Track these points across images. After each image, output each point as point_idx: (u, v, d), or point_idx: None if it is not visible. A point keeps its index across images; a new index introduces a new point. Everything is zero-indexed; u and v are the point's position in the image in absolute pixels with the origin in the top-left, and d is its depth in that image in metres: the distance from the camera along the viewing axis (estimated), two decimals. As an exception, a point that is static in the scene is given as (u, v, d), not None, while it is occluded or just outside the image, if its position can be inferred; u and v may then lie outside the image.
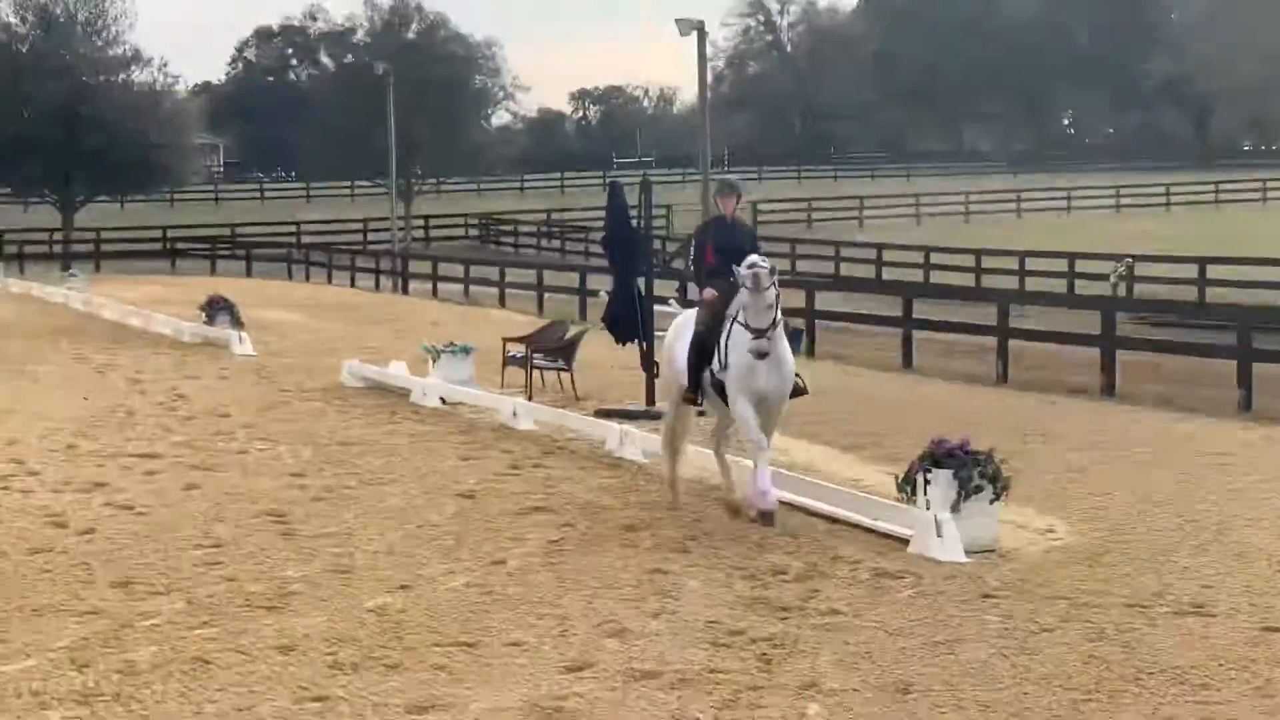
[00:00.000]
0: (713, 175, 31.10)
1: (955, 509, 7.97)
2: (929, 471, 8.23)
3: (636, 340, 13.92)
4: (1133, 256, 31.64)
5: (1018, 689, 5.39)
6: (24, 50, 50.75)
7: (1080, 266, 32.20)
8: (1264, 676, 5.55)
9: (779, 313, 8.36)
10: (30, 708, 5.09)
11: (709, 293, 8.75)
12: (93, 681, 5.39)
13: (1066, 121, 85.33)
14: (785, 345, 8.51)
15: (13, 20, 50.79)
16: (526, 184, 67.46)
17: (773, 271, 8.28)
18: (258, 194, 66.99)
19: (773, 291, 8.21)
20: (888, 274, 36.02)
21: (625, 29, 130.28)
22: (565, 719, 5.03)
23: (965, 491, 8.04)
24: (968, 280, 33.13)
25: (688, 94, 72.29)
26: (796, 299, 19.60)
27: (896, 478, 8.67)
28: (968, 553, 7.70)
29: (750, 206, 17.67)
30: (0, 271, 39.05)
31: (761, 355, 8.11)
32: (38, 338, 22.12)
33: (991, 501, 8.14)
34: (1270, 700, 5.27)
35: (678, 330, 9.15)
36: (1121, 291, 29.72)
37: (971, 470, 8.13)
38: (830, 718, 5.08)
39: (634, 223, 14.37)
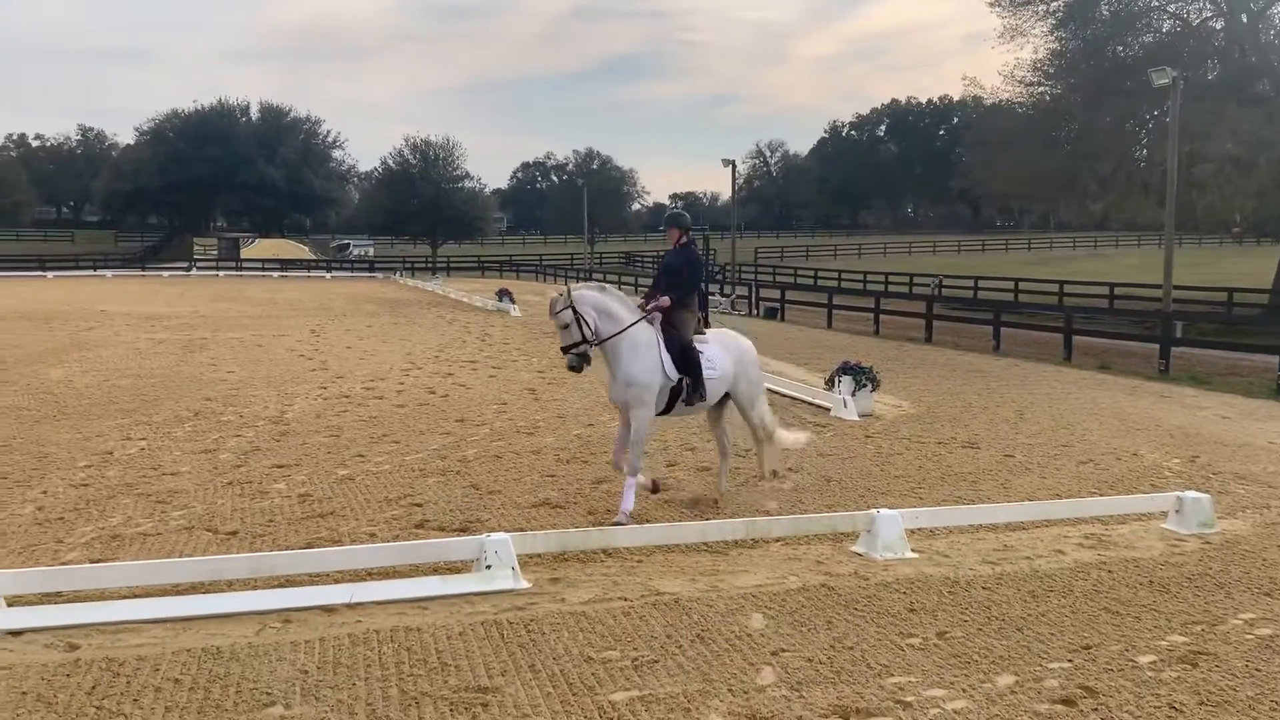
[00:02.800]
0: (700, 230, 42.68)
1: (853, 394, 13.52)
2: (840, 376, 13.83)
3: (702, 311, 22.51)
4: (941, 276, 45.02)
5: (885, 480, 10.16)
6: (413, 170, 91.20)
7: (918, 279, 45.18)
8: (1002, 479, 10.15)
9: (581, 334, 8.15)
10: (418, 476, 9.99)
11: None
12: (448, 465, 10.50)
13: (910, 209, 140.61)
14: (625, 360, 8.22)
15: (408, 154, 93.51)
16: (648, 238, 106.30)
17: (564, 298, 8.23)
18: (521, 241, 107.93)
19: (565, 315, 8.16)
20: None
21: (693, 162, 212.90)
22: (668, 484, 10.11)
23: (858, 385, 13.62)
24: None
25: (724, 194, 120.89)
26: (916, 306, 29.71)
27: (824, 379, 14.36)
28: (860, 415, 13.29)
29: (706, 247, 25.15)
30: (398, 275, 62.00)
31: (569, 368, 8.45)
32: (421, 306, 36.68)
33: (871, 391, 13.73)
34: (1008, 489, 9.71)
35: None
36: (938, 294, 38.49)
37: (861, 375, 13.72)
38: (792, 491, 9.61)
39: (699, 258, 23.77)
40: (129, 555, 7.23)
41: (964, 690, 5.18)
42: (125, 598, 6.15)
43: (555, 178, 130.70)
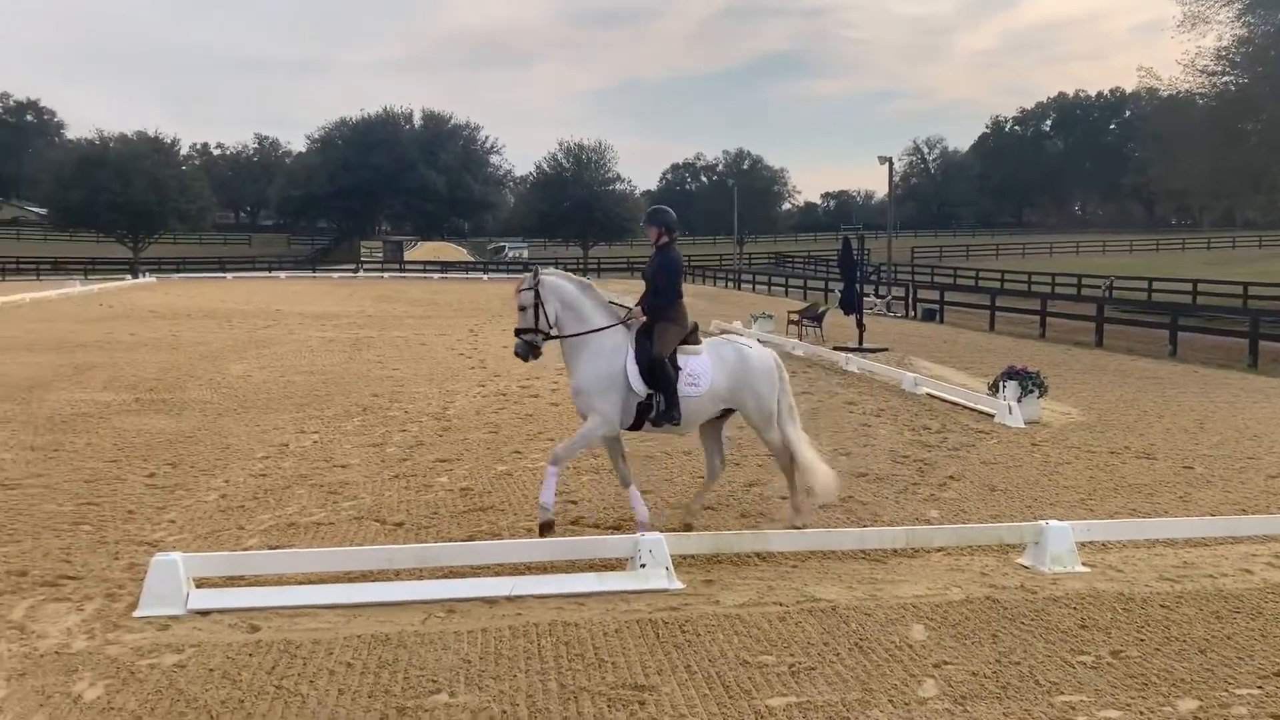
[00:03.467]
0: (855, 229, 39.41)
1: (1019, 400, 13.01)
2: (1005, 381, 13.33)
3: (855, 312, 23.49)
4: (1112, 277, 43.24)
5: (1053, 490, 9.76)
6: (566, 174, 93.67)
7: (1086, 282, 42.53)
8: (1181, 492, 9.63)
9: (534, 321, 7.72)
10: (572, 474, 10.17)
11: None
12: (601, 464, 10.51)
13: (1077, 207, 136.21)
14: (581, 366, 7.73)
15: (561, 158, 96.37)
16: (799, 238, 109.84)
17: (531, 278, 7.86)
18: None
19: (525, 296, 7.77)
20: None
21: (846, 161, 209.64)
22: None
23: (1024, 391, 13.10)
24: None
25: (879, 192, 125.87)
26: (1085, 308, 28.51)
27: (988, 384, 13.87)
28: (1025, 423, 12.78)
29: (861, 246, 24.91)
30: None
31: (515, 353, 7.93)
32: None
33: (1037, 397, 13.18)
34: (1188, 502, 9.23)
35: None
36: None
37: (1027, 380, 13.18)
38: (955, 500, 9.45)
39: (853, 256, 23.77)
40: (304, 543, 7.62)
41: (1141, 713, 4.91)
42: (301, 583, 6.50)
43: (705, 178, 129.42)
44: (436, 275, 70.82)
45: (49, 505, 8.64)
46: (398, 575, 6.67)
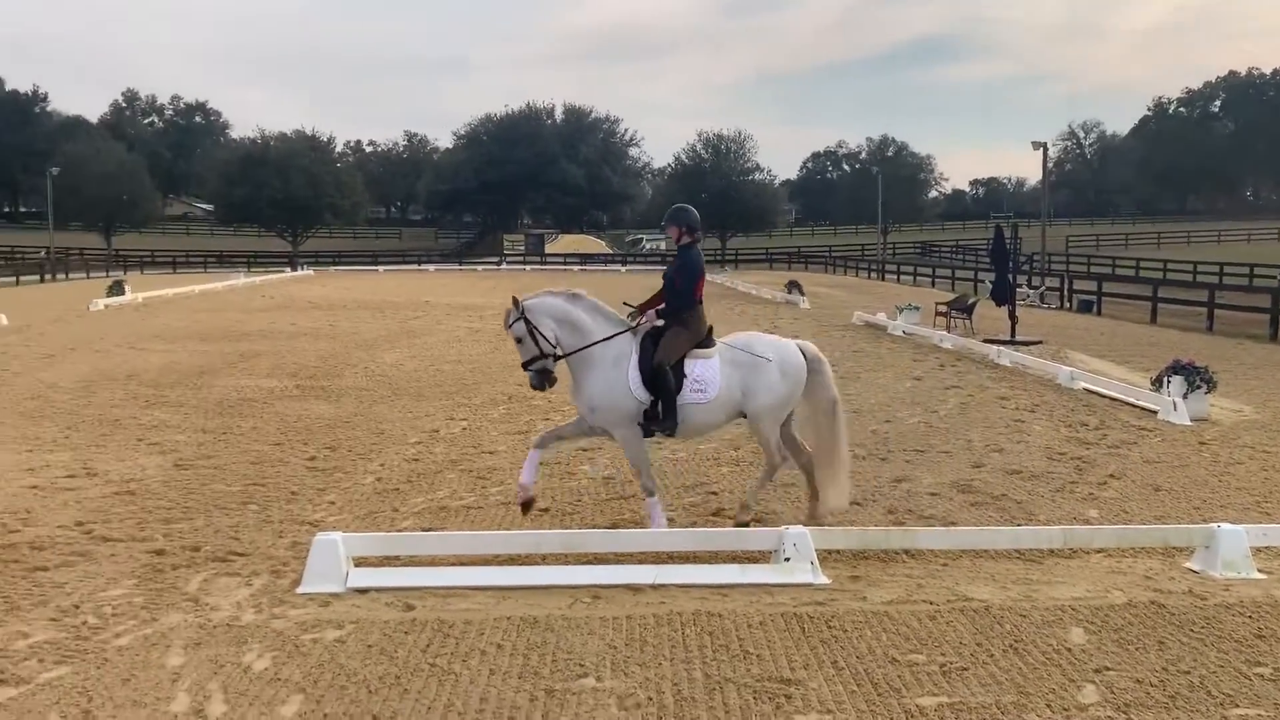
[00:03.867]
0: (1005, 217, 40.18)
1: (1184, 396, 12.32)
2: (1170, 376, 12.64)
3: (1006, 303, 22.76)
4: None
5: (1224, 492, 9.14)
6: (704, 165, 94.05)
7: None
8: None
9: (538, 348, 7.47)
10: (712, 464, 10.18)
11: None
12: (741, 455, 10.49)
13: (1249, 193, 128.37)
14: (586, 380, 7.51)
15: (700, 149, 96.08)
16: (945, 227, 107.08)
17: (515, 309, 7.50)
18: (810, 232, 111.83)
19: (518, 328, 7.52)
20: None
21: (995, 147, 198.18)
22: (975, 488, 9.34)
23: (1191, 387, 12.40)
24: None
25: (1031, 179, 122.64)
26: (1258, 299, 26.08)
27: (1150, 379, 13.19)
28: (1192, 420, 12.09)
29: (1014, 235, 24.08)
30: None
31: (531, 386, 7.80)
32: (709, 298, 35.21)
33: (1205, 393, 12.45)
34: None
35: None
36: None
37: (1194, 376, 12.47)
38: (1115, 500, 8.95)
39: (1005, 245, 23.02)
40: (454, 526, 7.86)
41: (1329, 733, 4.59)
42: (453, 565, 6.70)
43: (847, 166, 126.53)
44: (576, 267, 71.89)
45: (219, 485, 9.17)
46: (544, 560, 6.81)
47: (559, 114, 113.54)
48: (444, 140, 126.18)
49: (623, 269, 69.26)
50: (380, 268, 69.76)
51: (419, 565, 6.71)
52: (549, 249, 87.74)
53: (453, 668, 5.20)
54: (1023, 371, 16.71)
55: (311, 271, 65.86)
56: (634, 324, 7.61)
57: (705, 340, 7.64)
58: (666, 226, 7.94)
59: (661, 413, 7.38)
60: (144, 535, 7.57)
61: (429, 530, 7.60)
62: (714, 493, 8.92)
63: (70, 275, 57.90)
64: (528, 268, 72.68)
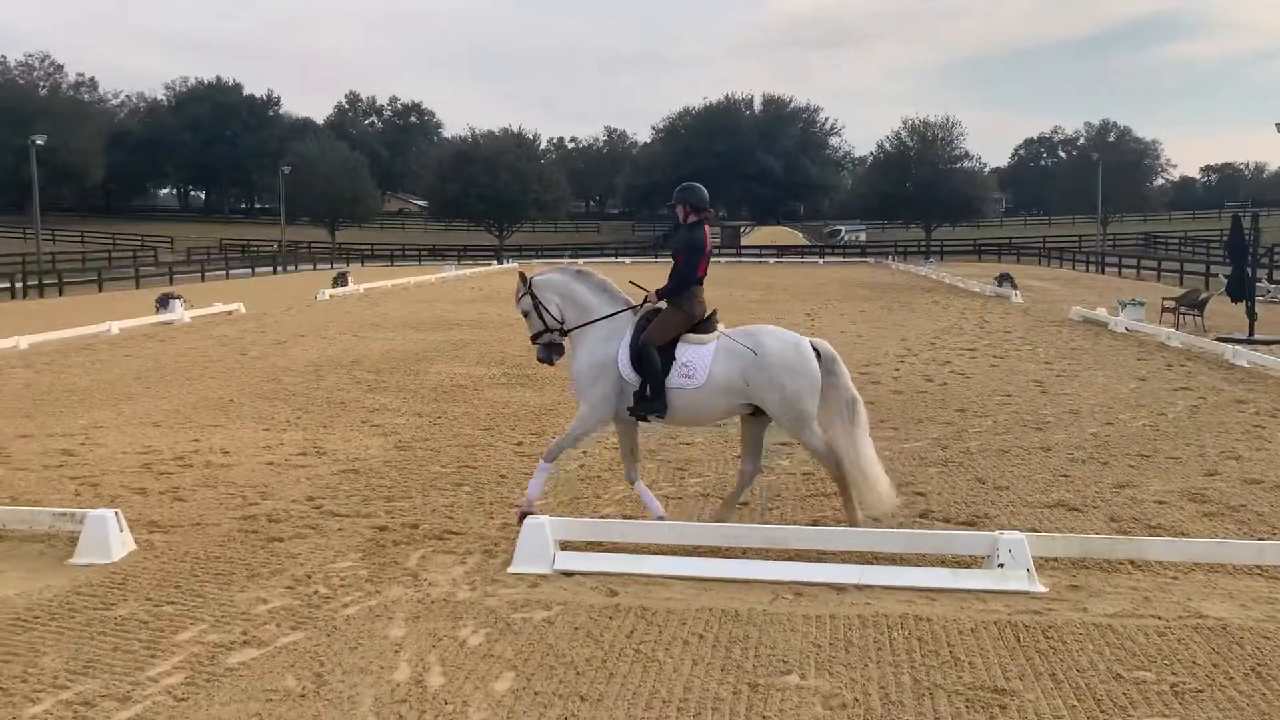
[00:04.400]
0: (1242, 207, 36.10)
1: None
2: None
3: (1244, 300, 20.94)
4: None
5: None
6: (909, 153, 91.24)
7: None
8: None
9: (543, 323, 7.68)
10: (918, 465, 9.85)
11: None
12: (949, 456, 10.11)
13: None
14: (578, 354, 7.55)
15: (905, 136, 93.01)
16: (1172, 217, 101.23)
17: (524, 285, 7.82)
18: (1022, 222, 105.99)
19: (524, 303, 7.78)
20: None
21: (1230, 130, 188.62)
22: (1209, 497, 8.64)
23: None
24: None
25: (1272, 165, 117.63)
26: None
27: None
28: None
29: (1254, 226, 22.16)
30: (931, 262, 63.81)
31: (538, 359, 7.96)
32: (914, 291, 36.71)
33: None
34: None
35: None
36: None
37: None
38: None
39: (1244, 236, 21.15)
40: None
41: None
42: (654, 553, 6.80)
43: (1063, 153, 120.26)
44: (772, 260, 71.46)
45: (435, 466, 9.65)
46: (744, 554, 6.80)
47: (757, 105, 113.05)
48: (643, 135, 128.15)
49: (820, 261, 68.35)
50: (580, 260, 71.62)
51: (621, 552, 6.85)
52: (744, 241, 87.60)
53: (656, 655, 5.27)
54: (1263, 374, 15.38)
55: (516, 265, 68.39)
56: (637, 303, 7.59)
57: (706, 325, 7.46)
58: (674, 205, 7.80)
59: (650, 392, 7.28)
60: (368, 512, 8.06)
61: (630, 518, 7.74)
62: (921, 494, 8.67)
63: (299, 267, 62.50)
64: (722, 260, 72.77)
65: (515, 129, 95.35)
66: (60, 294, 39.78)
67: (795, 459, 9.92)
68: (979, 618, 5.80)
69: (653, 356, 7.25)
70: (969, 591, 6.21)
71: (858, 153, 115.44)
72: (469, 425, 11.71)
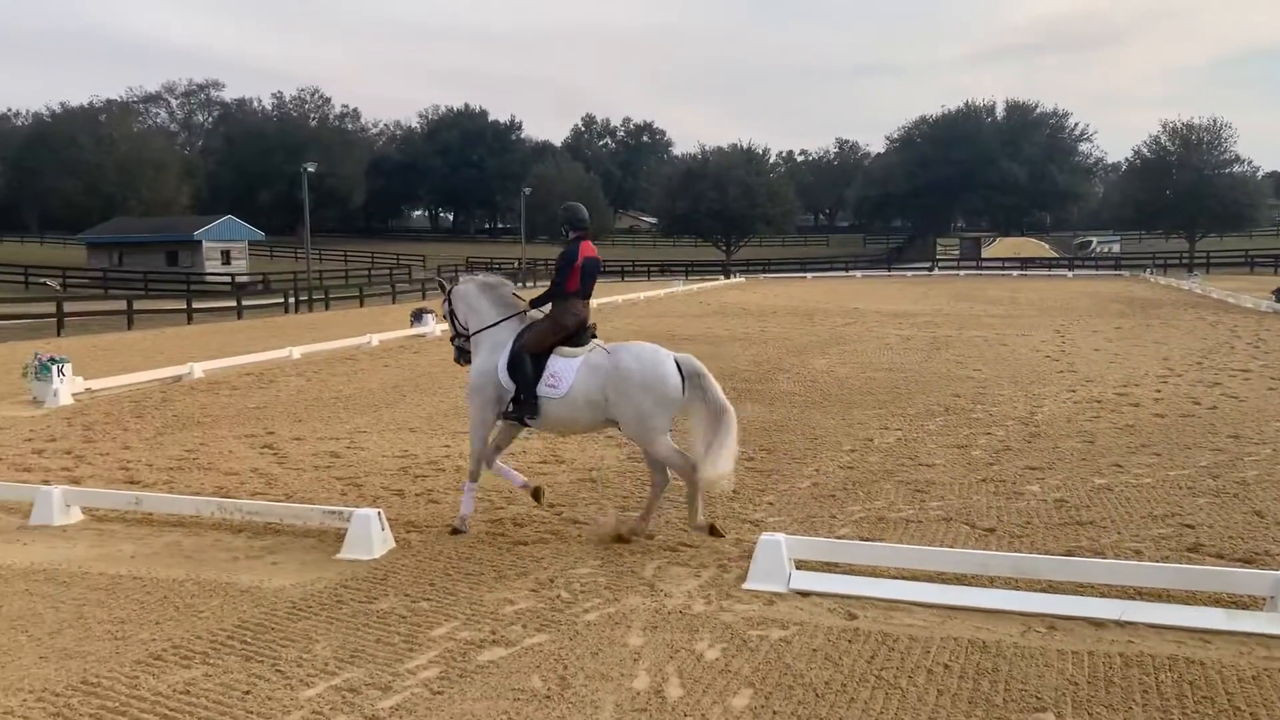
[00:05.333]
0: None
1: None
2: None
3: None
4: None
5: None
6: (1170, 158, 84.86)
7: None
8: None
9: (455, 326, 8.35)
10: (1186, 494, 9.04)
11: None
12: (1222, 486, 9.23)
13: None
14: (474, 360, 8.03)
15: (1165, 141, 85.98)
16: None
17: (441, 288, 8.73)
18: None
19: (445, 306, 8.50)
20: None
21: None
22: None
23: None
24: None
25: None
26: None
27: None
28: None
29: None
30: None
31: (454, 360, 8.63)
32: (1176, 306, 34.30)
33: None
34: None
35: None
36: None
37: None
38: None
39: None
40: (893, 538, 7.74)
41: None
42: (894, 577, 6.61)
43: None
44: (1015, 272, 68.22)
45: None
46: (992, 582, 6.50)
47: (999, 111, 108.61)
48: (875, 146, 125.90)
49: (1069, 274, 64.60)
50: (809, 274, 70.95)
51: (859, 574, 6.70)
52: (985, 253, 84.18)
53: (899, 683, 5.12)
54: None
55: (743, 279, 68.62)
56: (520, 312, 8.07)
57: (580, 338, 7.79)
58: (560, 224, 8.17)
59: (523, 398, 7.69)
60: (604, 520, 8.28)
61: (867, 540, 7.56)
62: (1189, 525, 7.99)
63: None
64: (961, 273, 70.15)
65: (744, 144, 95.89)
66: (326, 308, 43.36)
67: (1045, 485, 9.40)
68: (1262, 665, 5.28)
69: (524, 363, 7.71)
70: (1249, 635, 5.67)
71: (1110, 159, 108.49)
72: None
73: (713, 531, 7.67)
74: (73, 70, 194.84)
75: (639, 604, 6.30)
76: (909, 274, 70.24)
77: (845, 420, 12.98)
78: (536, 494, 8.14)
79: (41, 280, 54.67)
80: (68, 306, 33.31)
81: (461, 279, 8.52)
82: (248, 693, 5.08)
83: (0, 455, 11.44)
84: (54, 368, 15.28)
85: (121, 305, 36.19)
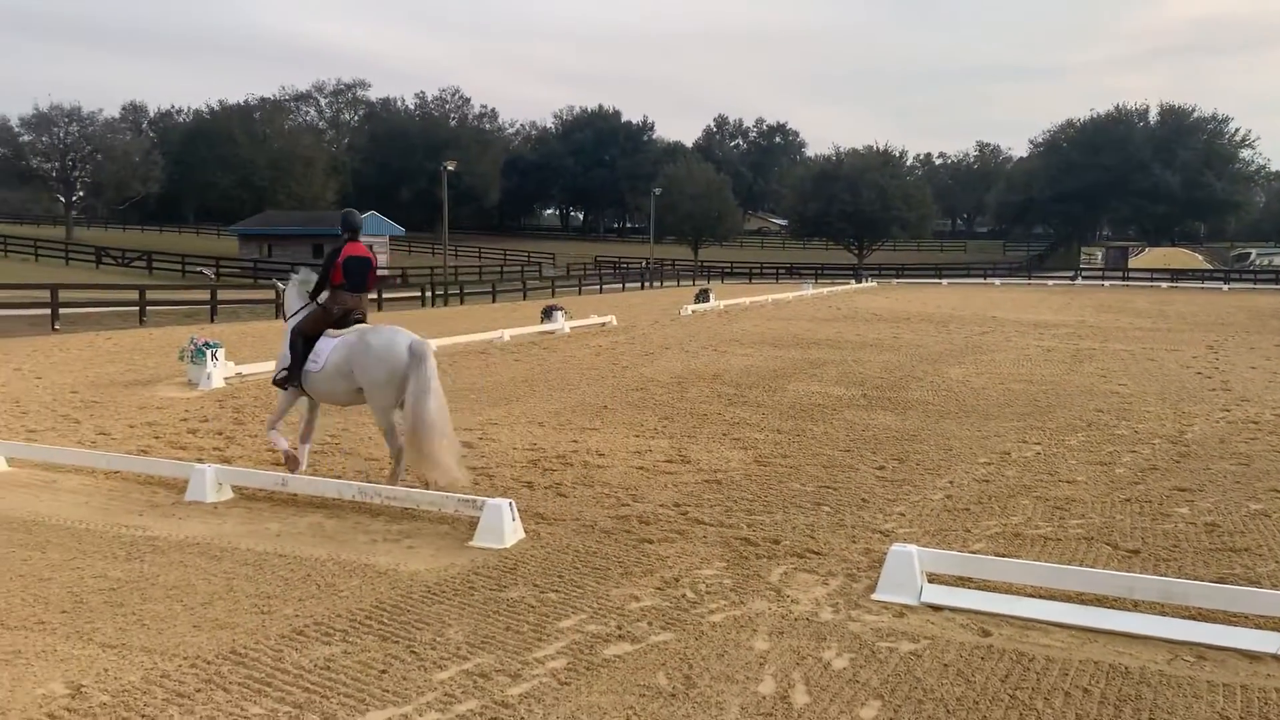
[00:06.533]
0: None
1: None
2: None
3: None
4: None
5: None
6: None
7: None
8: None
9: (283, 318, 10.09)
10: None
11: None
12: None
13: None
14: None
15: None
16: None
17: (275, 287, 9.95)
18: None
19: (277, 301, 10.40)
20: None
21: None
22: None
23: None
24: None
25: None
26: None
27: None
28: None
29: None
30: None
31: None
32: None
33: None
34: None
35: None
36: None
37: None
38: None
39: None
40: (1029, 555, 7.49)
41: None
42: (1029, 596, 6.40)
43: None
44: (1165, 284, 65.12)
45: (794, 484, 9.72)
46: (1135, 606, 6.22)
47: (1152, 115, 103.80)
48: (1018, 150, 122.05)
49: (1225, 287, 61.33)
50: (944, 281, 69.24)
51: (994, 591, 6.51)
52: (1133, 263, 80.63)
53: (1035, 704, 4.96)
54: None
55: (874, 284, 67.45)
56: (309, 303, 9.47)
57: (344, 323, 9.29)
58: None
59: (290, 368, 9.30)
60: (730, 522, 8.28)
61: (1002, 556, 7.34)
62: (1355, 557, 7.50)
63: (664, 283, 65.61)
64: (1106, 283, 67.36)
65: (880, 146, 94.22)
66: (461, 303, 44.54)
67: (1196, 507, 8.96)
68: None
69: (296, 342, 9.34)
70: None
71: (1275, 165, 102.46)
72: (827, 445, 11.68)
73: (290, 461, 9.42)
74: (232, 69, 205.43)
75: (765, 608, 6.27)
76: (1050, 283, 67.81)
77: (981, 432, 12.63)
78: (290, 464, 9.51)
79: (198, 269, 57.70)
80: (220, 294, 35.09)
81: (289, 278, 10.09)
82: (384, 672, 5.27)
83: (159, 434, 12.14)
84: (208, 352, 16.12)
85: (270, 295, 37.96)
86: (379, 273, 10.27)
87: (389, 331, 8.88)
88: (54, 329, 26.75)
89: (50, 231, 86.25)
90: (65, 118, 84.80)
